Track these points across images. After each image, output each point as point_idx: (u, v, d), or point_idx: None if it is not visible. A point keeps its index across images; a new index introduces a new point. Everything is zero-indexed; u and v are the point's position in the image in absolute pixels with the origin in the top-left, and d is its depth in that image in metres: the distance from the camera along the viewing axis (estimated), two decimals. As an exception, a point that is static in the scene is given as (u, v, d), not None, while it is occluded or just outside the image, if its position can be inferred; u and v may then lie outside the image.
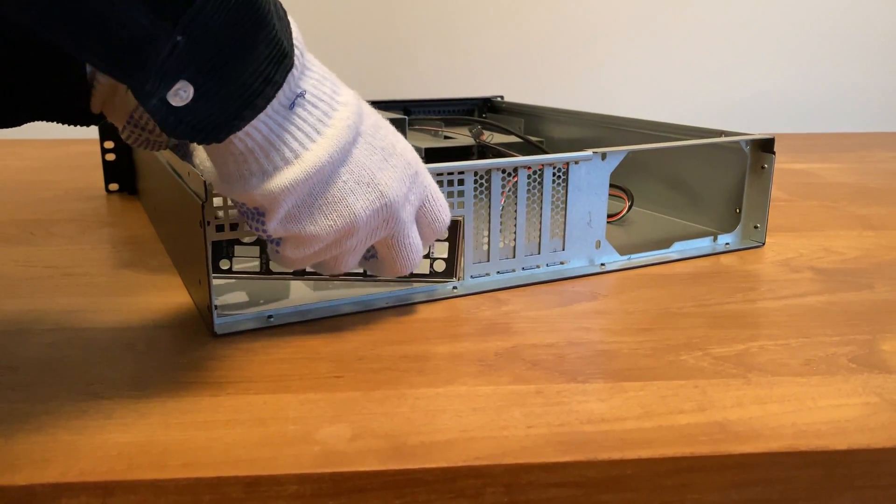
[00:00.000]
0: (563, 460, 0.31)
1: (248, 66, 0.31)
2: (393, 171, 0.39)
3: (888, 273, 0.55)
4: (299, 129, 0.35)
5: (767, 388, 0.37)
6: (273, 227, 0.37)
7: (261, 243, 0.44)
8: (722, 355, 0.41)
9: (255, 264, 0.44)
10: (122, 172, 0.80)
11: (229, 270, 0.43)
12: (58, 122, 0.40)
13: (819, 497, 0.32)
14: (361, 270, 0.45)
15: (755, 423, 0.34)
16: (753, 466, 0.32)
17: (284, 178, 0.35)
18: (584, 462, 0.31)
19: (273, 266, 0.45)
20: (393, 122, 0.65)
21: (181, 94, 0.30)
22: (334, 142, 0.36)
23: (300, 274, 0.45)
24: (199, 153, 0.45)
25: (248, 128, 0.33)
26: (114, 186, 0.81)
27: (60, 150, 1.08)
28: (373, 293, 0.48)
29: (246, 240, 0.43)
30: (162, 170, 0.56)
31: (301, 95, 0.35)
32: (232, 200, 0.39)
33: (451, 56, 1.27)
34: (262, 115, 0.33)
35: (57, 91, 0.38)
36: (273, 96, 0.33)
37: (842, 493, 0.32)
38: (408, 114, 0.88)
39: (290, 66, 0.33)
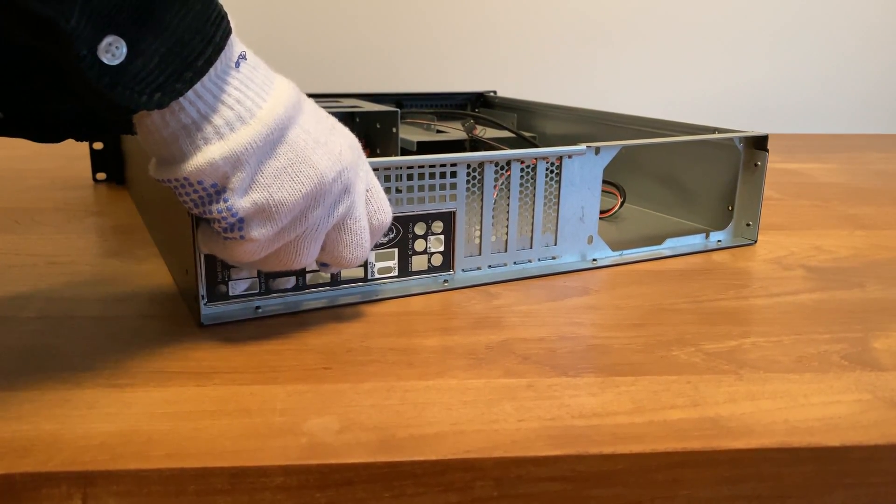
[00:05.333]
0: (554, 454, 0.30)
1: (183, 22, 0.31)
2: (342, 137, 0.38)
3: (879, 272, 0.55)
4: (248, 87, 0.34)
5: (760, 385, 0.37)
6: (239, 201, 0.35)
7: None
8: (714, 351, 0.41)
9: (253, 282, 0.44)
10: (109, 162, 0.79)
11: (226, 295, 0.43)
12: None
13: (810, 494, 0.32)
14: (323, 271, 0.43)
15: (747, 420, 0.33)
16: (745, 462, 0.31)
17: (245, 135, 0.34)
18: (574, 456, 0.30)
19: (272, 284, 0.44)
20: (385, 114, 0.65)
21: (114, 50, 0.29)
22: (285, 98, 0.35)
23: (299, 289, 0.45)
24: None
25: (199, 90, 0.32)
26: (101, 176, 0.80)
27: (48, 139, 1.06)
28: (363, 286, 0.47)
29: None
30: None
31: (243, 57, 0.34)
32: (183, 187, 0.35)
33: (445, 50, 1.27)
34: (210, 77, 0.33)
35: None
36: (216, 59, 0.32)
37: (833, 490, 0.32)
38: (400, 107, 0.87)
39: (230, 29, 0.33)
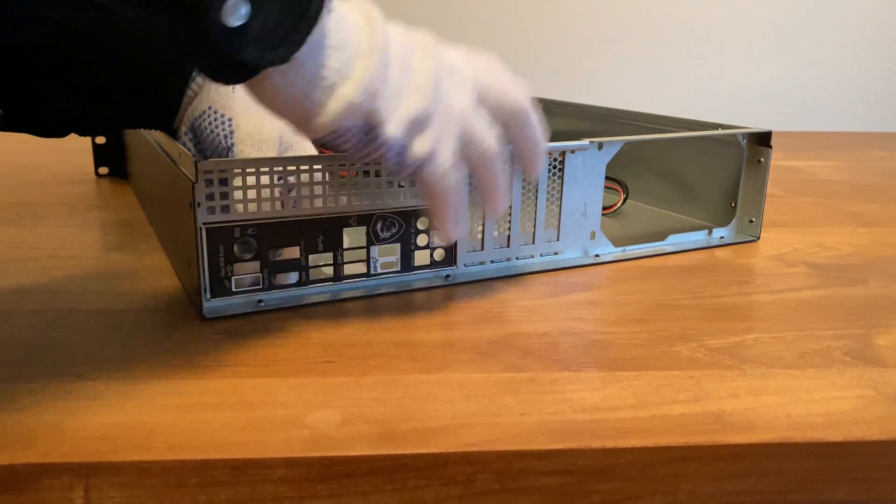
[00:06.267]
0: (556, 448, 0.30)
1: None
2: (415, 31, 0.38)
3: (882, 269, 0.55)
4: (348, 23, 0.34)
5: (762, 380, 0.37)
6: (389, 130, 0.35)
7: (260, 257, 0.43)
8: (716, 347, 0.40)
9: (256, 277, 0.43)
10: (112, 156, 0.79)
11: (229, 289, 0.43)
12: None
13: (813, 489, 0.32)
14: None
15: (750, 415, 0.33)
16: (748, 457, 0.31)
17: (365, 67, 0.34)
18: (576, 450, 0.30)
19: (278, 279, 0.44)
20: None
21: (237, 12, 0.29)
22: (368, 21, 0.35)
23: (302, 283, 0.45)
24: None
25: (311, 39, 0.32)
26: (104, 170, 0.80)
27: (50, 133, 1.06)
28: (365, 280, 0.47)
29: (246, 255, 0.42)
30: (152, 152, 0.55)
31: None
32: (338, 137, 0.36)
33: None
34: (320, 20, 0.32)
35: (156, 106, 0.37)
36: (322, 5, 0.32)
37: (836, 485, 0.32)
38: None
39: None
